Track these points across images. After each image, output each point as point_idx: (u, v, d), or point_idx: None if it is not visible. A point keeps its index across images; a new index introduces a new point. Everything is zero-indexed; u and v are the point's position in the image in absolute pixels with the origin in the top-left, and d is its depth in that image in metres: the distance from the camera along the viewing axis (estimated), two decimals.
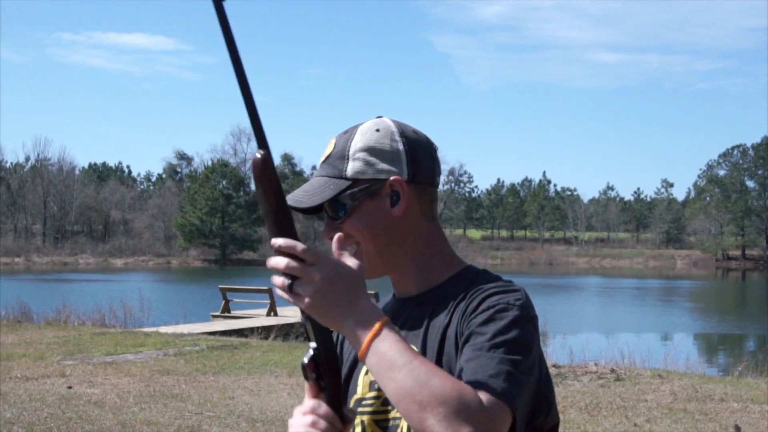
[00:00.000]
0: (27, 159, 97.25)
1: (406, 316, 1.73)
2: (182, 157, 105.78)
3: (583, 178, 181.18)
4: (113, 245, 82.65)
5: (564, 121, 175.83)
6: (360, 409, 1.70)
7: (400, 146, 1.71)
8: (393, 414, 1.66)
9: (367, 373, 1.71)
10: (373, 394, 1.69)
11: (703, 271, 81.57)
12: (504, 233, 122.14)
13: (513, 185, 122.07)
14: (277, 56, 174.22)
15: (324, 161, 1.71)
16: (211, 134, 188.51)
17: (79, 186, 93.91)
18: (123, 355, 13.43)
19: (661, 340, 22.78)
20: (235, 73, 1.40)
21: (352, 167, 1.68)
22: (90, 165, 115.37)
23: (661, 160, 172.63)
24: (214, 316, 21.95)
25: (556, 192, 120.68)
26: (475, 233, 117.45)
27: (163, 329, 17.75)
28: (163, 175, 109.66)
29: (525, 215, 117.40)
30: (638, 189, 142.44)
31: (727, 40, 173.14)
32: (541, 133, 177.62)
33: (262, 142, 1.39)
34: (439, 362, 1.61)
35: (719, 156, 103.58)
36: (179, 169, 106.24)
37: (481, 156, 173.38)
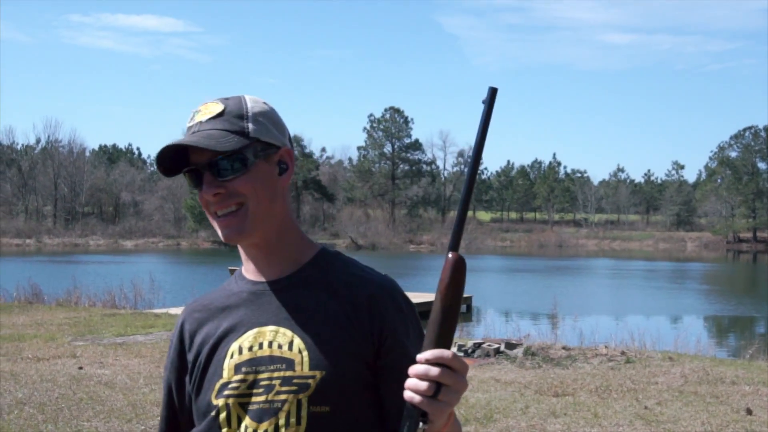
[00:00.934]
0: (38, 141, 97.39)
1: (271, 300, 1.73)
2: None
3: (594, 160, 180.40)
4: (123, 227, 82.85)
5: (574, 102, 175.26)
6: (226, 392, 1.69)
7: (285, 124, 1.77)
8: (261, 398, 1.66)
9: (232, 357, 1.70)
10: (239, 377, 1.68)
11: (714, 253, 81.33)
12: (513, 215, 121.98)
13: (523, 167, 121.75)
14: (287, 37, 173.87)
15: (215, 117, 1.68)
16: None
17: (89, 168, 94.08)
18: (133, 336, 13.47)
19: (671, 322, 22.71)
20: (469, 176, 1.47)
21: (253, 127, 1.68)
22: (100, 147, 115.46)
23: (672, 141, 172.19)
24: None
25: (566, 174, 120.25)
26: (484, 215, 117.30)
27: (173, 310, 17.82)
28: None
29: (535, 197, 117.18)
30: (649, 171, 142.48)
31: (739, 21, 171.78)
32: (551, 114, 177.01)
33: (457, 245, 1.47)
34: (330, 350, 1.65)
35: (731, 137, 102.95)
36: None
37: (490, 138, 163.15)
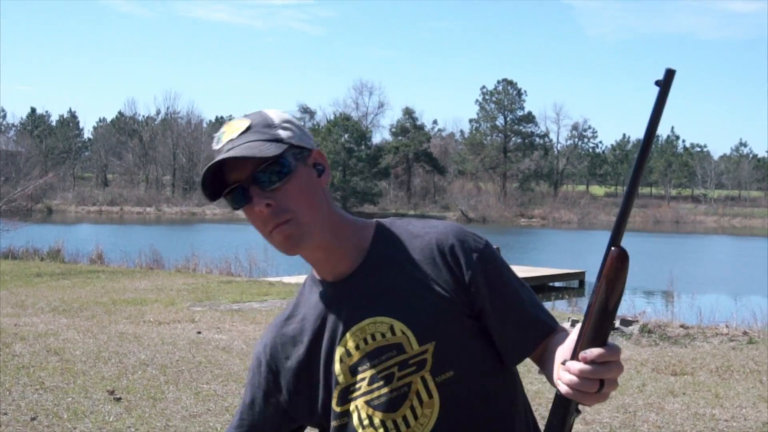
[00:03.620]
0: (158, 112, 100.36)
1: (354, 294, 1.70)
2: (305, 110, 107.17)
3: (714, 134, 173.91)
4: None
5: (695, 74, 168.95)
6: (350, 396, 1.69)
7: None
8: (385, 390, 1.65)
9: (341, 361, 1.69)
10: (356, 378, 1.68)
11: None
12: None
13: (639, 141, 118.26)
14: (398, 9, 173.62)
15: (245, 132, 1.64)
16: (332, 88, 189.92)
17: (206, 138, 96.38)
18: (248, 303, 13.79)
19: None
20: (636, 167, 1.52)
21: (284, 133, 1.65)
22: (216, 118, 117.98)
23: None
24: None
25: (685, 148, 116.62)
26: (598, 190, 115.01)
27: (286, 279, 18.16)
28: None
29: (651, 172, 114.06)
30: None
31: None
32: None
33: (619, 239, 1.42)
34: (430, 318, 1.65)
35: None
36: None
37: (606, 111, 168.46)
